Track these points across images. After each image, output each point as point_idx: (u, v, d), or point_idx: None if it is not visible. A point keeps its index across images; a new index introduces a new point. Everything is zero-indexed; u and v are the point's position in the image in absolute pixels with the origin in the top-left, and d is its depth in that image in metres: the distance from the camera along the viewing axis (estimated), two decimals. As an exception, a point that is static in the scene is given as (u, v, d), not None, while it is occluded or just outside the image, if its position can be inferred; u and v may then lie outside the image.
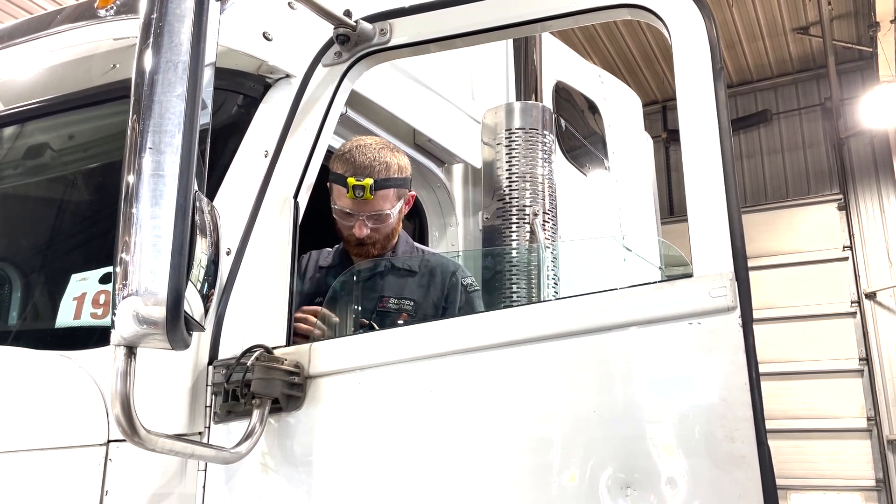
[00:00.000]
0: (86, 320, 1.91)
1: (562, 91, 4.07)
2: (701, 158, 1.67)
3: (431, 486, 1.70)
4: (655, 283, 1.64)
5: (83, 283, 1.93)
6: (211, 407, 1.86)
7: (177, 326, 1.30)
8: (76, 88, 2.38)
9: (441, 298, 2.57)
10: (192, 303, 1.39)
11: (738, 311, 1.54)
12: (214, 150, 2.19)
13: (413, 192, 2.68)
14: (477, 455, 1.67)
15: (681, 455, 1.54)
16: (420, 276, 2.60)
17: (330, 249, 2.78)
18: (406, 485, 1.71)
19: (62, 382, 1.75)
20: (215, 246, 1.45)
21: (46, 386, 1.73)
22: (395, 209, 2.47)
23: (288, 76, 2.27)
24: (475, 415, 1.69)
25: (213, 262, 1.45)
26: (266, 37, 2.22)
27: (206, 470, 1.83)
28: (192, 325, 1.38)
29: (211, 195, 2.05)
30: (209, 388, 1.86)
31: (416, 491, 1.70)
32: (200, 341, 1.88)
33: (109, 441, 1.71)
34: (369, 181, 2.33)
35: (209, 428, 1.85)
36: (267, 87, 2.26)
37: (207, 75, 1.53)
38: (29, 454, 1.63)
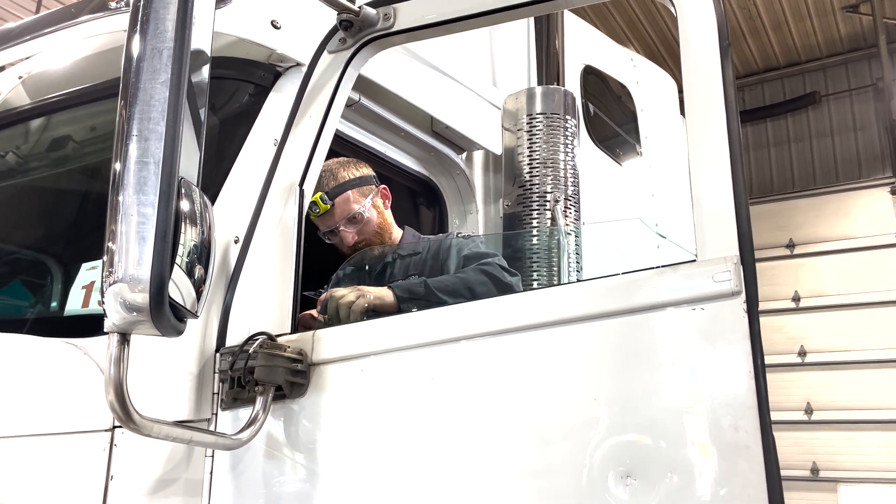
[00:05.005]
0: (93, 308, 1.94)
1: (591, 75, 3.99)
2: (706, 138, 1.61)
3: (433, 474, 1.68)
4: (657, 267, 1.59)
5: (92, 272, 1.96)
6: (218, 394, 1.87)
7: (161, 312, 1.31)
8: (97, 81, 2.42)
9: (442, 260, 2.56)
10: (182, 289, 1.39)
11: (742, 296, 1.48)
12: (225, 139, 2.21)
13: (384, 185, 2.75)
14: (477, 442, 1.65)
15: (683, 444, 1.49)
16: (423, 255, 2.61)
17: None
18: (408, 472, 1.70)
19: (68, 369, 1.78)
20: (207, 232, 1.45)
21: (53, 373, 1.77)
22: (364, 206, 2.62)
23: (298, 64, 2.26)
24: (476, 402, 1.67)
25: (205, 249, 1.44)
26: (275, 25, 2.22)
27: (213, 456, 1.85)
28: (180, 311, 1.38)
29: (219, 184, 2.06)
30: (216, 375, 1.87)
31: (419, 478, 1.69)
32: (207, 329, 1.89)
33: (114, 427, 1.73)
34: (318, 195, 2.51)
35: (216, 415, 1.86)
36: (277, 76, 2.26)
37: (202, 62, 1.53)
38: (36, 439, 1.66)
